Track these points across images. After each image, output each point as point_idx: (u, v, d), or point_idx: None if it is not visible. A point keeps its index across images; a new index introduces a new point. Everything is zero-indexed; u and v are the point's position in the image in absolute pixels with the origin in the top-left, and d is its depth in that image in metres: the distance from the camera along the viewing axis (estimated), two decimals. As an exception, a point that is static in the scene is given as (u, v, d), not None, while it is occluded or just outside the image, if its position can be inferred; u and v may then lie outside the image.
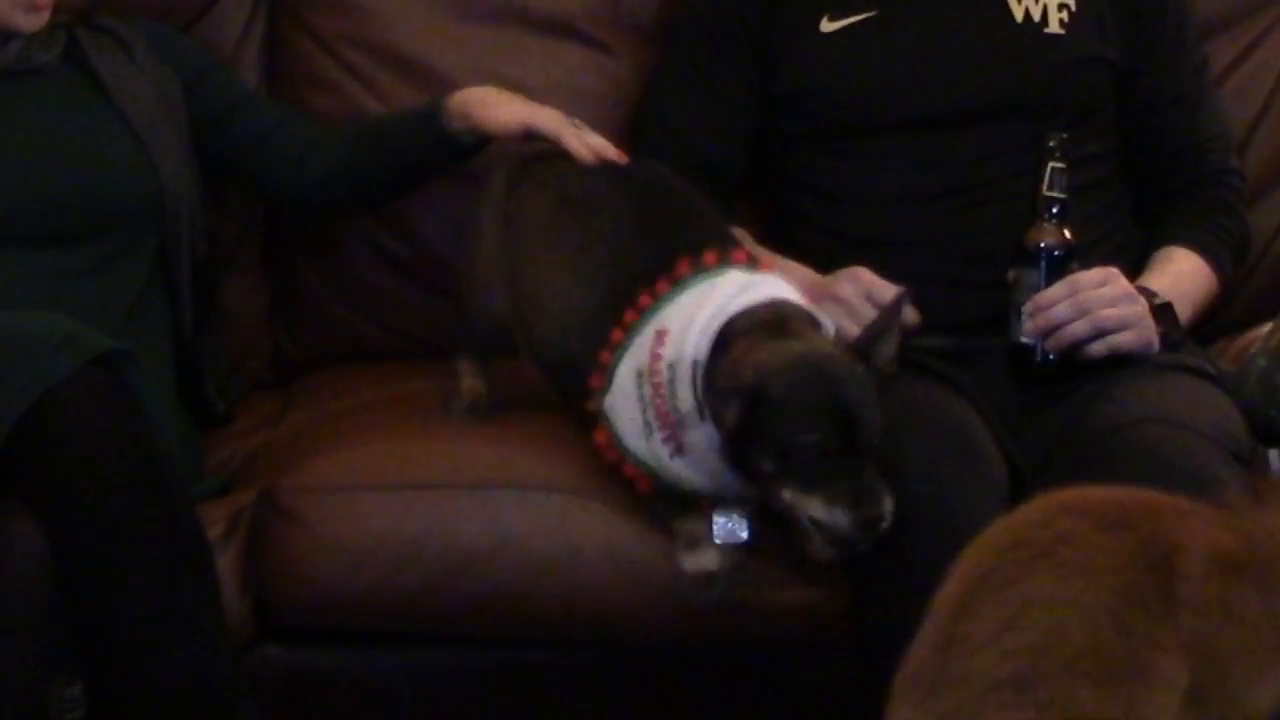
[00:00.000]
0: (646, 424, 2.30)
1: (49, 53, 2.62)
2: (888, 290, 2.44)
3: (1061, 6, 2.65)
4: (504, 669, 2.47)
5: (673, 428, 2.28)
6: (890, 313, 2.32)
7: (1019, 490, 2.40)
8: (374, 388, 2.74)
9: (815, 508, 2.20)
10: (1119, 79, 2.68)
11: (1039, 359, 2.48)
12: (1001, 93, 2.62)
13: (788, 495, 2.22)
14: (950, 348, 2.54)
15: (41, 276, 2.51)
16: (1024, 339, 2.48)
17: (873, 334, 2.29)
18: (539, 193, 2.53)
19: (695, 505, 2.34)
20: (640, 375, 2.30)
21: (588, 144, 2.55)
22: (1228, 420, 2.44)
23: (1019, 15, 2.64)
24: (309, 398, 2.78)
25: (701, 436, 2.27)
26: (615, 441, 2.33)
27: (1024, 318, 2.47)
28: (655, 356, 2.29)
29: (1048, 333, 2.46)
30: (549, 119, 2.58)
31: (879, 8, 2.64)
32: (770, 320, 2.26)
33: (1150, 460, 2.32)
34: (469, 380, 2.61)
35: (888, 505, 2.20)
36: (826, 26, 2.65)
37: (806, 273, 2.56)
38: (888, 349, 2.29)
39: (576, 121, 2.59)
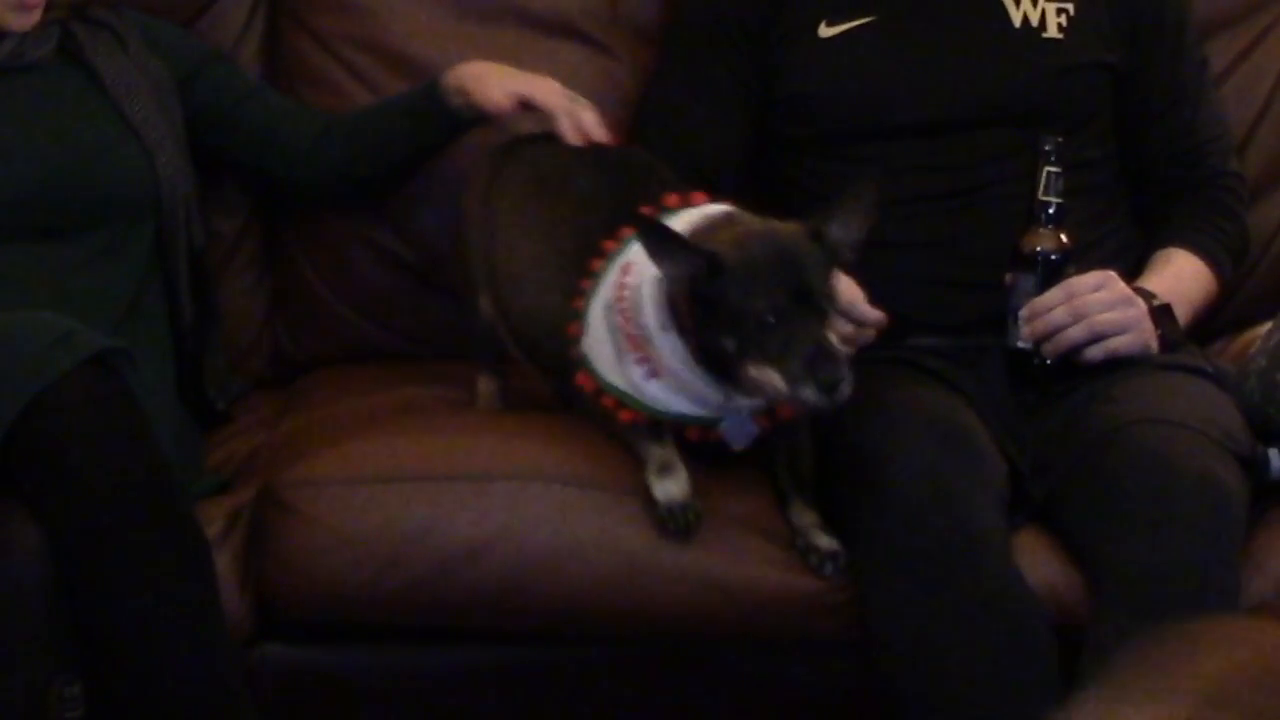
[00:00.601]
0: (619, 351, 2.30)
1: (43, 48, 2.62)
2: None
3: (1060, 11, 2.64)
4: (503, 666, 2.47)
5: (642, 348, 2.28)
6: (853, 198, 2.29)
7: (1019, 491, 2.40)
8: (374, 388, 2.74)
9: (776, 376, 2.19)
10: (1118, 81, 2.68)
11: (1036, 364, 2.48)
12: (1000, 98, 2.61)
13: (752, 370, 2.20)
14: (949, 348, 2.54)
15: (41, 270, 2.51)
16: (1021, 344, 2.48)
17: (829, 215, 2.27)
18: (518, 172, 2.55)
19: (667, 434, 2.34)
20: (609, 307, 2.31)
21: (579, 125, 2.56)
22: (1228, 420, 2.44)
23: (1017, 20, 2.64)
24: (309, 398, 2.78)
25: (670, 349, 2.27)
26: (594, 378, 2.34)
27: (1021, 323, 2.47)
28: (621, 286, 2.30)
29: (1045, 338, 2.46)
30: (546, 92, 2.60)
31: (877, 13, 2.63)
32: (725, 221, 2.29)
33: (1150, 460, 2.33)
34: (484, 402, 2.65)
35: (845, 367, 2.18)
36: (825, 31, 2.64)
37: None
38: (848, 232, 2.27)
39: (574, 95, 2.60)
